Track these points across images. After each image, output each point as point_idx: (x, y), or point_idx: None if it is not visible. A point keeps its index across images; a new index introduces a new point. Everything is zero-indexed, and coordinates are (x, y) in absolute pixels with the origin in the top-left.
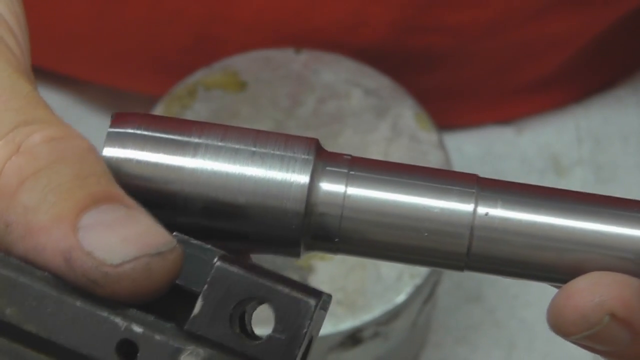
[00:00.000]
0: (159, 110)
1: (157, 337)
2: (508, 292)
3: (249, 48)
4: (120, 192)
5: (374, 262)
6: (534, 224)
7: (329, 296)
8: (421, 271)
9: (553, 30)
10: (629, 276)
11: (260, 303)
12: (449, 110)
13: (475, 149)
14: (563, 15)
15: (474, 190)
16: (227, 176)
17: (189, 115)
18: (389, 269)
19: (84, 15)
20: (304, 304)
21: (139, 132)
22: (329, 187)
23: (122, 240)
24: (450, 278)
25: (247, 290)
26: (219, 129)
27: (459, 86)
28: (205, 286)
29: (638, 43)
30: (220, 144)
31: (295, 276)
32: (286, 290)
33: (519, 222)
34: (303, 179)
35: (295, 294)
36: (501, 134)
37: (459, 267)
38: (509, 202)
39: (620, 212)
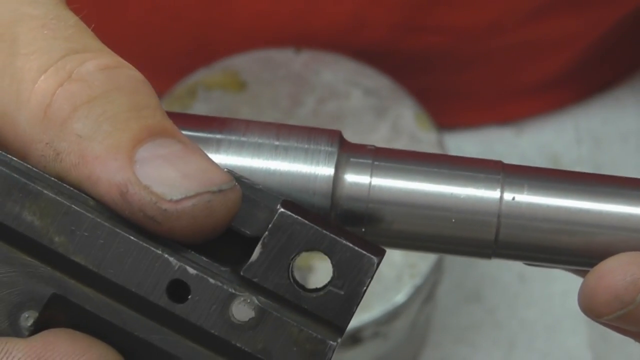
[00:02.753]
0: None
1: (211, 280)
2: (508, 292)
3: (249, 49)
4: (174, 127)
5: None
6: (561, 208)
7: (385, 252)
8: (421, 271)
9: (553, 32)
10: None
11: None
12: (449, 110)
13: (475, 149)
14: (563, 17)
15: (499, 177)
16: (252, 170)
17: None
18: (389, 269)
19: (84, 18)
20: (367, 259)
21: None
22: (354, 178)
23: (183, 175)
24: (451, 278)
25: (309, 241)
26: (240, 123)
27: (458, 87)
28: (266, 233)
29: (637, 44)
30: (243, 138)
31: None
32: (350, 244)
33: (547, 207)
34: (328, 171)
35: (359, 248)
36: (501, 134)
37: (487, 255)
38: (536, 187)
39: None
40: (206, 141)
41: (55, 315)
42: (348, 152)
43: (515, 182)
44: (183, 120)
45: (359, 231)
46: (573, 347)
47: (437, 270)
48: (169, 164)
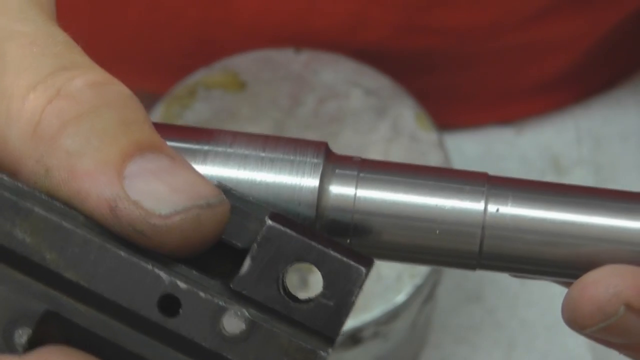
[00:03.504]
0: (159, 110)
1: (202, 294)
2: (508, 292)
3: (249, 48)
4: (162, 141)
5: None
6: (545, 220)
7: (374, 262)
8: (421, 271)
9: (554, 33)
10: None
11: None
12: (449, 110)
13: (475, 149)
14: (564, 17)
15: (484, 189)
16: (238, 181)
17: (189, 115)
18: (389, 269)
19: (84, 16)
20: (355, 270)
21: None
22: (339, 189)
23: (172, 190)
24: (451, 278)
25: (298, 253)
26: (227, 135)
27: (459, 87)
28: (255, 245)
29: (638, 45)
30: (229, 150)
31: (294, 276)
32: (338, 255)
33: (531, 219)
34: (313, 182)
35: (347, 259)
36: (501, 134)
37: (471, 266)
38: (520, 199)
39: (631, 205)
40: (193, 152)
41: (49, 331)
42: (334, 163)
43: (499, 194)
44: (170, 131)
45: (344, 242)
46: (573, 347)
47: (437, 271)
48: (157, 179)
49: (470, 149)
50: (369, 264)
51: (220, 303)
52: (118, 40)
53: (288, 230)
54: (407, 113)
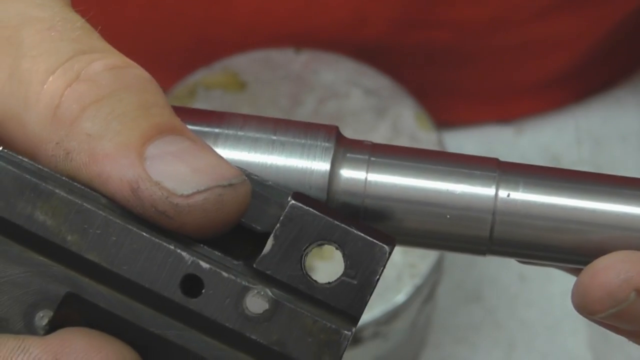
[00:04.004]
0: None
1: (224, 274)
2: (508, 292)
3: (249, 47)
4: (183, 124)
5: None
6: (556, 206)
7: (396, 240)
8: (421, 271)
9: (555, 31)
10: None
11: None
12: (448, 107)
13: (475, 148)
14: (565, 15)
15: (495, 174)
16: (248, 164)
17: None
18: (388, 269)
19: (90, 20)
20: (379, 248)
21: None
22: (350, 174)
23: (193, 170)
24: (451, 278)
25: (321, 232)
26: (238, 118)
27: (459, 84)
28: (278, 225)
29: (638, 44)
30: (240, 133)
31: None
32: (361, 233)
33: (542, 205)
34: (324, 166)
35: (371, 238)
36: (501, 134)
37: (481, 252)
38: (531, 185)
39: None
40: (204, 135)
41: (70, 314)
42: (345, 147)
43: (510, 180)
44: (181, 113)
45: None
46: (573, 347)
47: (437, 271)
48: (179, 160)
49: (471, 148)
50: (392, 242)
51: (244, 283)
52: (117, 38)
53: (311, 210)
54: (407, 113)
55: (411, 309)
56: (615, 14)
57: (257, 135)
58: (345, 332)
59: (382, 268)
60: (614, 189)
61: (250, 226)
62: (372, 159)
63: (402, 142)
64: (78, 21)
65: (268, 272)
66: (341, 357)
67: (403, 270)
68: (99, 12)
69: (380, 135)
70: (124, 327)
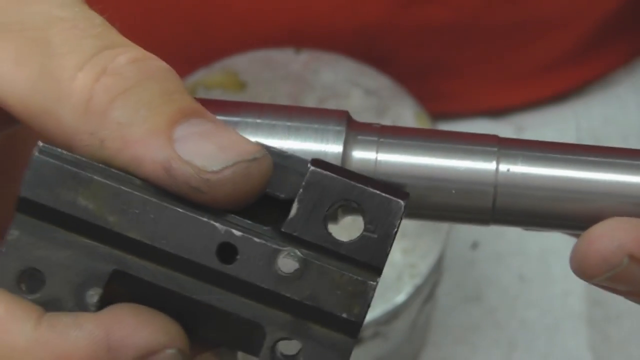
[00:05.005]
0: None
1: (256, 239)
2: (508, 292)
3: (249, 47)
4: (203, 108)
5: None
6: (553, 178)
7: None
8: (421, 271)
9: (552, 10)
10: None
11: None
12: (447, 93)
13: None
14: None
15: (495, 149)
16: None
17: None
18: (389, 269)
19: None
20: (395, 203)
21: None
22: (361, 154)
23: (220, 148)
24: (451, 278)
25: (341, 193)
26: (254, 107)
27: (458, 66)
28: (301, 190)
29: (638, 30)
30: (258, 120)
31: None
32: (377, 191)
33: (540, 177)
34: (337, 148)
35: (387, 194)
36: (501, 134)
37: (485, 221)
38: (529, 158)
39: (633, 161)
40: (224, 124)
41: (118, 290)
42: (355, 130)
43: (510, 154)
44: (204, 104)
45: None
46: (573, 348)
47: (437, 270)
48: (205, 140)
49: None
50: (406, 197)
51: (274, 246)
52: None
53: (329, 173)
54: (407, 113)
55: (411, 309)
56: None
57: (274, 122)
58: (371, 282)
59: (399, 221)
60: (607, 159)
61: (274, 194)
62: (381, 140)
63: None
64: (97, 19)
65: (295, 234)
66: (369, 305)
67: (403, 270)
68: (99, 12)
69: None
70: (169, 297)
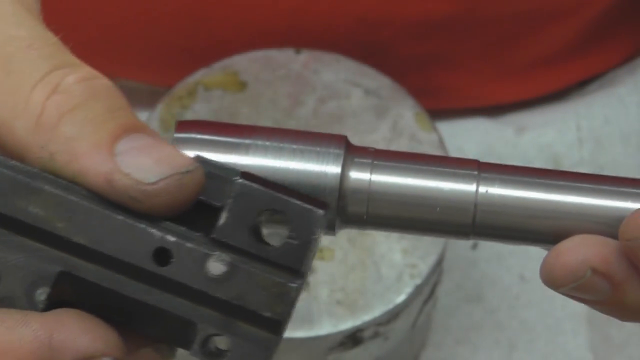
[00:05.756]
0: (159, 110)
1: (188, 244)
2: (508, 292)
3: (249, 47)
4: (143, 123)
5: (374, 262)
6: (527, 199)
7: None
8: (421, 271)
9: (555, 1)
10: (607, 237)
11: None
12: (446, 87)
13: (475, 148)
14: None
15: (475, 173)
16: (274, 170)
17: (189, 116)
18: (389, 269)
19: (84, 12)
20: (314, 212)
21: (200, 136)
22: (357, 175)
23: (156, 161)
24: (451, 278)
25: (266, 203)
26: (264, 131)
27: (457, 59)
28: (230, 199)
29: (638, 24)
30: (267, 143)
31: None
32: (299, 202)
33: (515, 198)
34: (335, 169)
35: (307, 205)
36: (501, 134)
37: (466, 235)
38: (505, 182)
39: (598, 186)
40: (237, 145)
41: (64, 290)
42: (352, 153)
43: (488, 178)
44: (218, 128)
45: (361, 217)
46: (574, 348)
47: (437, 271)
48: (143, 154)
49: (471, 148)
50: (325, 207)
51: (205, 250)
52: (117, 38)
53: (255, 185)
54: (407, 113)
55: (411, 309)
56: None
57: (281, 145)
58: (291, 284)
59: (318, 229)
60: (575, 184)
61: (209, 202)
62: (375, 162)
63: (403, 142)
64: (51, 38)
65: (224, 240)
66: (292, 305)
67: (403, 270)
68: (99, 12)
69: (380, 135)
70: (111, 296)
